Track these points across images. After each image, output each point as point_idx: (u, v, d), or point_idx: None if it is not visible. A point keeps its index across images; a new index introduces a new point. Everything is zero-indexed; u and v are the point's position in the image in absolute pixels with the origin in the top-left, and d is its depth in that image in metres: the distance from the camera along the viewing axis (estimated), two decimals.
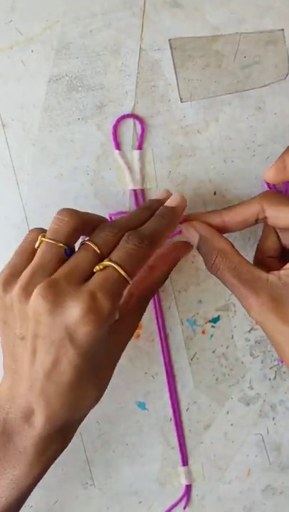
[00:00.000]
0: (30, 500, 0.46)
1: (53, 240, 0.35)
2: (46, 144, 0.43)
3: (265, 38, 0.43)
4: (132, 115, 0.43)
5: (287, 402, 0.47)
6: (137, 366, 0.46)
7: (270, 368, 0.47)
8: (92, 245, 0.35)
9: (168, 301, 0.46)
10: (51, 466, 0.46)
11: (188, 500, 0.47)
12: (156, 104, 0.43)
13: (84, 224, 0.36)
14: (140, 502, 0.47)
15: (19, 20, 0.42)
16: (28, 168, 0.43)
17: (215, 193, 0.44)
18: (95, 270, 0.34)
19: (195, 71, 0.43)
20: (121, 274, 0.33)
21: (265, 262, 0.40)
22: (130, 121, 0.43)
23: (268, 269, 0.37)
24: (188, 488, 0.47)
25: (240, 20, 0.43)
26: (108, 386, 0.45)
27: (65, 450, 0.46)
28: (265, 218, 0.38)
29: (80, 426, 0.46)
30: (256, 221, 0.38)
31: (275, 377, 0.47)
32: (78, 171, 0.43)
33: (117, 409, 0.46)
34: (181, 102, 0.43)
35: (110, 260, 0.34)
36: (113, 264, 0.33)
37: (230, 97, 0.44)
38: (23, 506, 0.46)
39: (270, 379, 0.47)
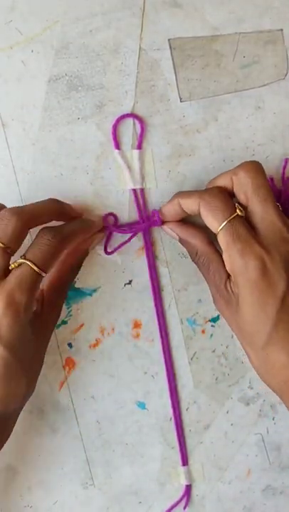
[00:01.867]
0: (30, 501, 0.46)
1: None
2: (46, 144, 0.43)
3: (265, 37, 0.43)
4: (132, 115, 0.43)
5: None
6: (136, 366, 0.46)
7: None
8: None
9: (168, 300, 0.46)
10: (51, 466, 0.46)
11: (189, 500, 0.47)
12: (156, 104, 0.43)
13: (27, 221, 0.38)
14: (140, 502, 0.47)
15: (19, 20, 0.42)
16: (28, 167, 0.43)
17: None
18: (10, 268, 0.37)
19: (194, 71, 0.43)
20: (34, 270, 0.37)
21: None
22: (130, 120, 0.43)
23: None
24: (189, 488, 0.47)
25: (240, 20, 0.43)
26: (108, 386, 0.46)
27: (65, 450, 0.46)
28: None
29: (80, 426, 0.46)
30: None
31: None
32: (78, 171, 0.44)
33: (117, 409, 0.46)
34: (181, 101, 0.43)
35: (25, 258, 0.37)
36: (27, 262, 0.37)
37: (229, 97, 0.44)
38: (23, 506, 0.46)
39: None
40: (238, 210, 0.38)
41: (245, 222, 0.38)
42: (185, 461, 0.47)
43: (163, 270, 0.45)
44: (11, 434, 0.40)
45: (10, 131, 0.43)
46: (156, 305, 0.45)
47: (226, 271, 0.39)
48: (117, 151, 0.43)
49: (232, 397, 0.47)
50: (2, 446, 0.40)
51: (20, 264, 0.37)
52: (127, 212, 0.44)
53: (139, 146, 0.44)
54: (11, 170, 0.43)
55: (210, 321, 0.46)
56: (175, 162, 0.44)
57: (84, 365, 0.45)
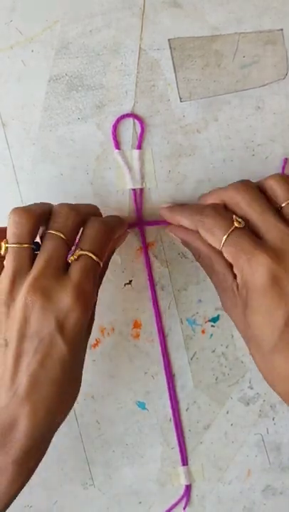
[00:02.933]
0: (30, 501, 0.46)
1: (18, 243, 0.36)
2: (46, 144, 0.43)
3: (264, 37, 0.43)
4: (132, 115, 0.43)
5: None
6: (136, 366, 0.46)
7: None
8: (57, 233, 0.37)
9: (167, 300, 0.46)
10: (51, 466, 0.46)
11: (188, 500, 0.47)
12: (156, 104, 0.43)
13: (39, 218, 0.37)
14: (140, 502, 0.47)
15: (19, 20, 0.42)
16: (28, 167, 0.43)
17: None
18: (70, 261, 0.36)
19: (194, 71, 0.43)
20: (94, 260, 0.36)
21: None
22: (130, 120, 0.43)
23: None
24: (188, 489, 0.47)
25: (239, 20, 0.43)
26: (108, 386, 0.46)
27: (64, 450, 0.46)
28: None
29: (80, 426, 0.46)
30: None
31: None
32: (78, 171, 0.44)
33: (117, 409, 0.46)
34: (181, 101, 0.43)
35: (82, 249, 0.36)
36: (87, 253, 0.36)
37: (229, 97, 0.44)
38: (23, 506, 0.46)
39: None
40: (235, 223, 0.37)
41: (246, 233, 0.37)
42: (185, 462, 0.46)
43: (163, 270, 0.45)
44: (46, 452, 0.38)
45: (10, 131, 0.43)
46: (156, 305, 0.45)
47: (232, 271, 0.38)
48: (117, 151, 0.43)
49: (232, 397, 0.47)
50: (38, 465, 0.37)
51: (79, 256, 0.36)
52: (127, 213, 0.44)
53: (139, 146, 0.44)
54: (11, 170, 0.43)
55: (210, 321, 0.46)
56: (175, 162, 0.44)
57: (84, 365, 0.45)
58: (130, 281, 0.45)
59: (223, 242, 0.37)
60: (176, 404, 0.46)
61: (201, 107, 0.44)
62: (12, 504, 0.45)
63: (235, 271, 0.37)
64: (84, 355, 0.39)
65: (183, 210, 0.41)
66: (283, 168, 0.44)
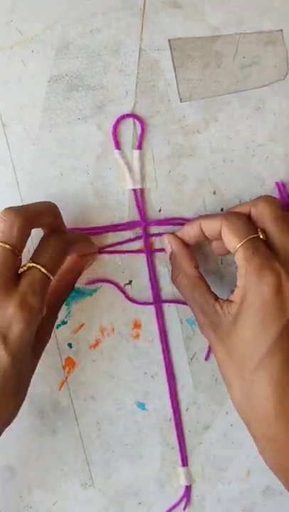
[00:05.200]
0: (30, 501, 0.46)
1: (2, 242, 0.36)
2: (46, 144, 0.43)
3: (265, 38, 0.43)
4: (132, 115, 0.43)
5: None
6: (136, 366, 0.46)
7: None
8: (4, 245, 0.36)
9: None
10: (51, 466, 0.46)
11: (188, 501, 0.47)
12: (156, 104, 0.43)
13: (31, 220, 0.37)
14: (140, 503, 0.47)
15: (19, 20, 0.42)
16: (28, 167, 0.43)
17: (214, 193, 0.44)
18: (19, 272, 0.36)
19: (194, 71, 0.43)
20: (44, 274, 0.36)
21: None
22: (130, 120, 0.43)
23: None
24: (188, 489, 0.47)
25: (240, 21, 0.43)
26: (108, 386, 0.46)
27: (64, 450, 0.46)
28: None
29: (80, 426, 0.46)
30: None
31: None
32: (78, 171, 0.44)
33: (117, 410, 0.46)
34: (181, 101, 0.43)
35: (34, 262, 0.36)
36: (37, 265, 0.36)
37: (229, 97, 0.44)
38: (22, 507, 0.46)
39: None
40: (260, 233, 0.38)
41: (265, 245, 0.37)
42: (185, 462, 0.46)
43: (163, 270, 0.45)
44: None
45: (10, 131, 0.43)
46: (155, 305, 0.45)
47: (212, 294, 0.39)
48: (117, 151, 0.43)
49: None
50: None
51: (29, 268, 0.36)
52: (127, 213, 0.44)
53: (139, 146, 0.44)
54: (11, 170, 0.43)
55: None
56: (175, 162, 0.44)
57: (84, 365, 0.45)
58: (130, 281, 0.45)
59: (243, 242, 0.37)
60: (176, 405, 0.46)
61: (201, 108, 0.44)
62: (12, 504, 0.46)
63: (239, 273, 0.37)
64: (31, 369, 0.39)
65: (209, 214, 0.42)
66: (281, 192, 0.44)
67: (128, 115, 0.43)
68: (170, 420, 0.46)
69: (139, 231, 0.44)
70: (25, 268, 0.36)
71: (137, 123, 0.43)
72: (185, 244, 0.42)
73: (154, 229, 0.45)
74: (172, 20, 0.43)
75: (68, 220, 0.43)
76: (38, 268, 0.36)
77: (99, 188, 0.44)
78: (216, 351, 0.39)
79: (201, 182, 0.44)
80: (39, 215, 0.38)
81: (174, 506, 0.47)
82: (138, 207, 0.44)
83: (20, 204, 0.43)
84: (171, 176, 0.44)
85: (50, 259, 0.37)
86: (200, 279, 0.41)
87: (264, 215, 0.38)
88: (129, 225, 0.44)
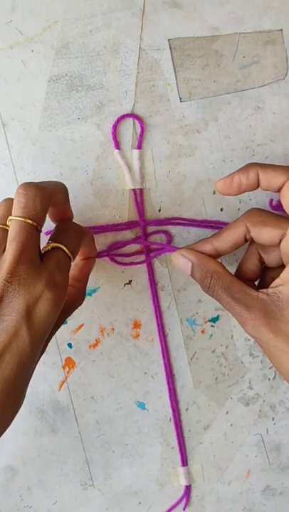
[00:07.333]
0: (30, 501, 0.46)
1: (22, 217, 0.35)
2: (46, 144, 0.43)
3: (264, 38, 0.43)
4: (132, 115, 0.43)
5: (286, 402, 0.47)
6: (136, 366, 0.46)
7: (270, 368, 0.47)
8: (27, 221, 0.34)
9: (167, 300, 0.46)
10: (50, 466, 0.46)
11: (188, 500, 0.47)
12: (156, 104, 0.43)
13: (49, 197, 0.36)
14: (140, 503, 0.47)
15: (19, 20, 0.42)
16: (28, 167, 0.43)
17: (214, 193, 0.44)
18: (43, 251, 0.35)
19: (194, 71, 0.43)
20: (67, 254, 0.36)
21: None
22: (130, 120, 0.43)
23: None
24: (188, 489, 0.47)
25: (239, 21, 0.43)
26: (108, 386, 0.46)
27: (64, 450, 0.46)
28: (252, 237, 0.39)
29: (80, 426, 0.46)
30: (246, 240, 0.39)
31: (274, 377, 0.47)
32: (78, 171, 0.44)
33: (117, 410, 0.46)
34: (181, 101, 0.43)
35: (56, 241, 0.36)
36: (61, 246, 0.36)
37: (229, 97, 0.44)
38: (22, 507, 0.46)
39: (269, 379, 0.47)
40: None
41: None
42: (185, 462, 0.46)
43: (163, 270, 0.45)
44: None
45: (10, 131, 0.43)
46: (156, 305, 0.45)
47: (253, 286, 0.38)
48: (117, 151, 0.43)
49: (232, 397, 0.47)
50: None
51: (53, 248, 0.36)
52: (127, 213, 0.44)
53: (139, 146, 0.44)
54: (11, 170, 0.43)
55: (210, 321, 0.46)
56: (175, 162, 0.44)
57: (84, 365, 0.45)
58: (130, 281, 0.45)
59: None
60: (176, 405, 0.46)
61: (200, 107, 0.44)
62: (12, 504, 0.46)
63: None
64: (38, 358, 0.36)
65: (267, 164, 0.38)
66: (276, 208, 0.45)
67: (128, 115, 0.43)
68: (170, 420, 0.46)
69: (138, 231, 0.44)
70: (49, 248, 0.36)
71: (137, 123, 0.43)
72: (201, 252, 0.40)
73: (153, 229, 0.45)
74: (172, 20, 0.43)
75: None
76: (62, 249, 0.36)
77: (99, 188, 0.44)
78: (272, 344, 0.36)
79: (200, 182, 0.44)
80: (55, 192, 0.37)
81: (174, 506, 0.47)
82: (138, 207, 0.44)
83: None
84: (171, 175, 0.44)
85: (71, 242, 0.37)
86: (234, 276, 0.38)
87: None
88: (129, 225, 0.44)
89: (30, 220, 0.34)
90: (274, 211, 0.42)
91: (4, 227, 0.36)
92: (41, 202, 0.34)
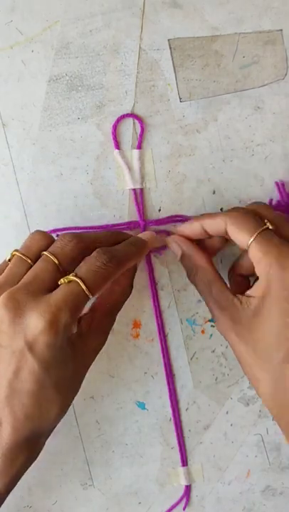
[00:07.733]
0: (30, 501, 0.46)
1: (23, 254, 0.37)
2: (46, 144, 0.43)
3: (264, 38, 0.43)
4: (132, 115, 0.43)
5: None
6: (136, 366, 0.46)
7: None
8: (50, 256, 0.36)
9: (167, 300, 0.46)
10: (50, 466, 0.46)
11: (188, 500, 0.47)
12: (156, 104, 0.43)
13: (88, 246, 0.37)
14: (140, 503, 0.47)
15: (19, 20, 0.42)
16: (28, 167, 0.43)
17: (214, 192, 0.44)
18: (60, 283, 0.35)
19: (194, 71, 0.43)
20: (83, 290, 0.35)
21: (236, 279, 0.43)
22: (130, 120, 0.43)
23: (237, 287, 0.42)
24: (188, 489, 0.47)
25: (239, 21, 0.43)
26: (108, 386, 0.46)
27: (64, 450, 0.46)
28: None
29: (80, 426, 0.46)
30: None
31: None
32: (78, 171, 0.44)
33: (117, 409, 0.46)
34: (181, 101, 0.43)
35: (76, 275, 0.35)
36: (77, 280, 0.35)
37: (229, 97, 0.44)
38: (22, 507, 0.46)
39: None
40: (268, 224, 0.37)
41: (275, 235, 0.37)
42: (185, 462, 0.46)
43: (163, 270, 0.45)
44: (40, 453, 0.38)
45: (10, 131, 0.43)
46: (155, 305, 0.45)
47: (230, 289, 0.39)
48: (116, 150, 0.43)
49: (232, 397, 0.47)
50: (31, 465, 0.37)
51: (70, 281, 0.35)
52: (127, 213, 0.44)
53: (139, 146, 0.44)
54: (11, 170, 0.43)
55: (210, 321, 0.46)
56: (175, 162, 0.44)
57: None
58: None
59: (254, 237, 0.37)
60: (176, 404, 0.46)
61: (200, 107, 0.44)
62: (11, 504, 0.45)
63: (260, 268, 0.37)
64: (80, 371, 0.38)
65: (208, 214, 0.41)
66: (281, 191, 0.44)
67: (128, 115, 0.43)
68: (170, 420, 0.46)
69: (138, 231, 0.44)
70: (66, 280, 0.35)
71: (137, 123, 0.43)
72: (193, 242, 0.42)
73: (153, 228, 0.45)
74: (172, 20, 0.43)
75: (68, 219, 0.43)
76: (78, 282, 0.35)
77: (99, 188, 0.44)
78: (236, 348, 0.38)
79: (200, 182, 0.44)
80: (97, 242, 0.38)
81: (174, 506, 0.47)
82: (138, 206, 0.44)
83: (19, 203, 0.43)
84: (171, 175, 0.44)
85: (93, 277, 0.35)
86: (217, 274, 0.40)
87: (267, 212, 0.39)
88: (129, 225, 0.44)
89: (55, 257, 0.36)
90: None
91: (27, 259, 0.37)
92: (72, 248, 0.37)
